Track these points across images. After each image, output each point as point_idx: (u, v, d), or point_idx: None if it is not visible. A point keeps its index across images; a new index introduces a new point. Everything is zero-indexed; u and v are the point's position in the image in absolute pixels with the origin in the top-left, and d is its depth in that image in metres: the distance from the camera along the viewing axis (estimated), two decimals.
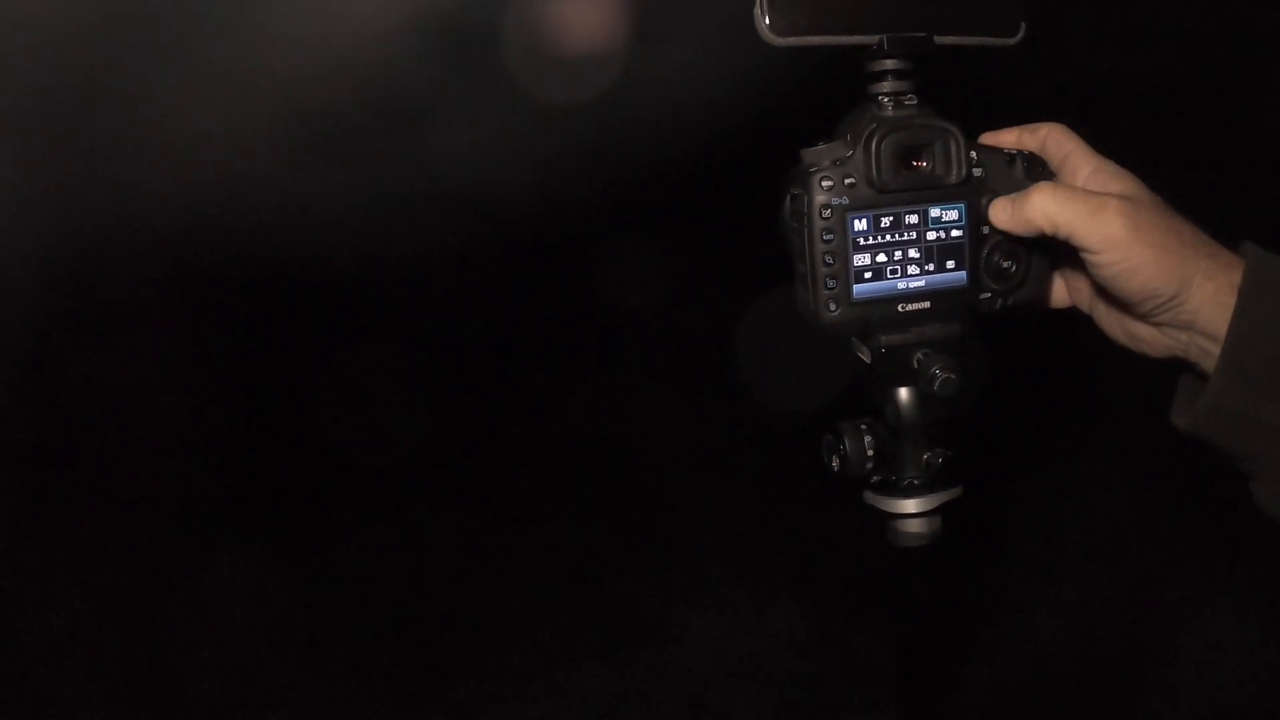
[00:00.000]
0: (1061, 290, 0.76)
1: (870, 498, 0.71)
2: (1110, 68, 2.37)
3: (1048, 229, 0.65)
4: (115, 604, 2.32)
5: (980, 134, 0.73)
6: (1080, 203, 0.64)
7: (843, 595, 2.26)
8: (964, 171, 0.67)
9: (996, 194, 0.69)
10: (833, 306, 0.66)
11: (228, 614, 2.30)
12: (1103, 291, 0.69)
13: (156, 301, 2.73)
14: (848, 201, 0.65)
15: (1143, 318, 0.68)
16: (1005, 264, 0.70)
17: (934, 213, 0.67)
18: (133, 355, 2.69)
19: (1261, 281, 0.63)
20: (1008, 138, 0.73)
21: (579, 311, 2.99)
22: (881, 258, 0.66)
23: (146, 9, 2.11)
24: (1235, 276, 0.64)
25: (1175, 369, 0.71)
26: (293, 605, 2.33)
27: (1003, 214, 0.68)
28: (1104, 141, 0.72)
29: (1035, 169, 0.70)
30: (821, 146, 0.67)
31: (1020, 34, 0.70)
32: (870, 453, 0.69)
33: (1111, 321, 0.72)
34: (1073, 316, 0.77)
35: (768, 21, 0.63)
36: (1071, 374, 2.46)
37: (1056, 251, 0.71)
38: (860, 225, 0.66)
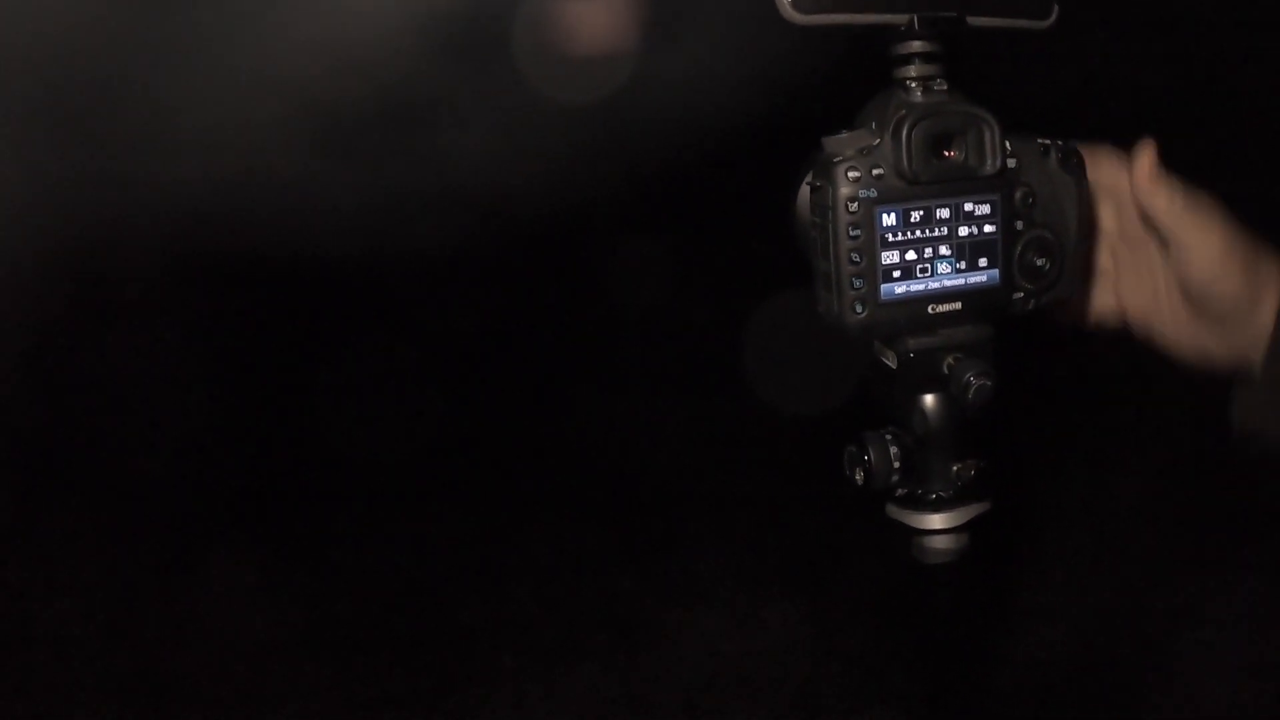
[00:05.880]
0: (1109, 306, 0.74)
1: (894, 512, 0.67)
2: (1129, 62, 2.35)
3: (1162, 225, 0.66)
4: (114, 604, 2.30)
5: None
6: (1192, 212, 0.65)
7: (841, 597, 2.24)
8: (998, 162, 0.63)
9: (1030, 187, 0.65)
10: (859, 308, 0.61)
11: (226, 614, 2.28)
12: (1173, 306, 0.69)
13: (160, 298, 2.73)
14: (875, 194, 0.60)
15: (1213, 326, 0.68)
16: (1039, 261, 0.65)
17: (966, 206, 0.63)
18: (135, 352, 2.69)
19: None
20: None
21: (579, 311, 2.97)
22: (911, 255, 0.62)
23: (154, 4, 2.08)
24: None
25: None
26: (290, 606, 2.31)
27: (1154, 173, 0.66)
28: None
29: (1070, 160, 0.66)
30: (845, 135, 0.62)
31: (1053, 16, 0.66)
32: (896, 464, 0.64)
33: (1180, 335, 0.71)
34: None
35: None
36: (1073, 375, 2.44)
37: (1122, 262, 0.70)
38: (889, 220, 0.61)
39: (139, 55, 2.07)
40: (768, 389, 2.50)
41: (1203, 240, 0.65)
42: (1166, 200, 0.65)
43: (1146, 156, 0.66)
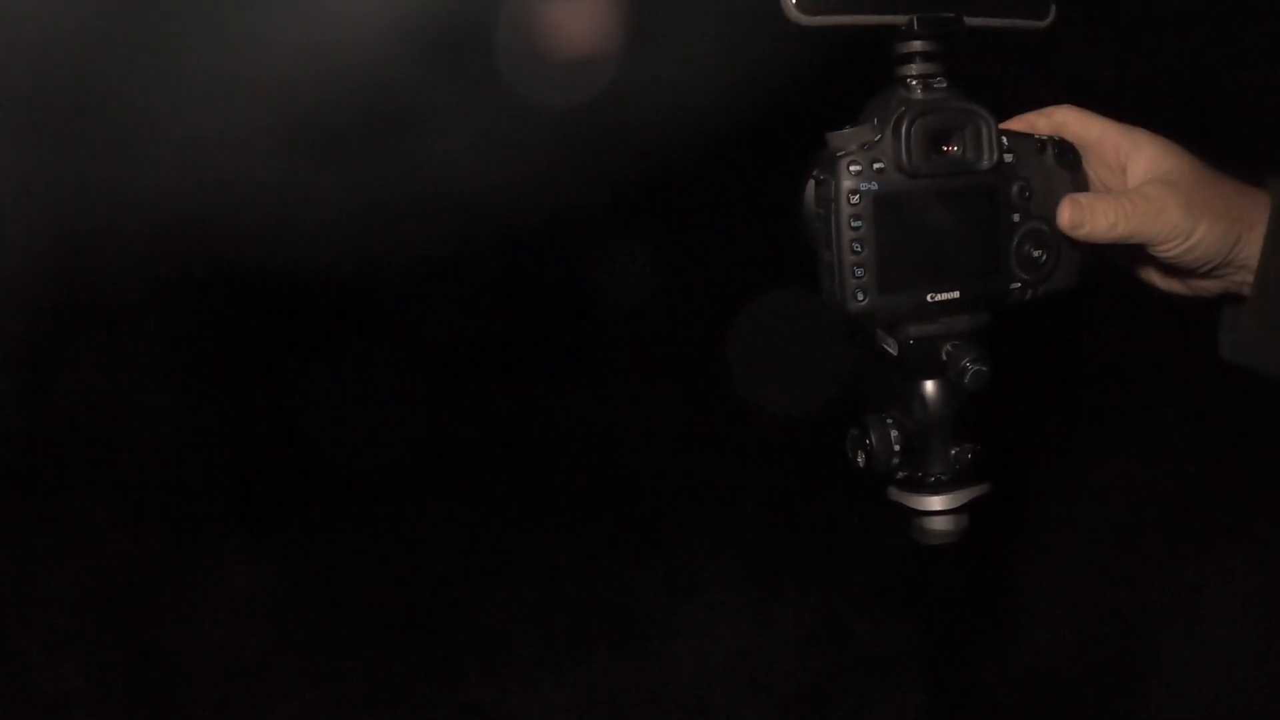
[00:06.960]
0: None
1: (895, 494, 0.69)
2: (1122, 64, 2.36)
3: (1116, 241, 0.67)
4: (115, 604, 2.30)
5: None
6: (1141, 211, 0.66)
7: (845, 592, 2.25)
8: (995, 156, 0.65)
9: (1027, 181, 0.67)
10: (860, 296, 0.63)
11: (227, 613, 2.29)
12: (1157, 266, 0.73)
13: (153, 302, 2.73)
14: (877, 187, 0.63)
15: (1202, 276, 0.71)
16: (1036, 253, 0.68)
17: (965, 199, 0.65)
18: (130, 356, 2.68)
19: None
20: (1018, 125, 0.71)
21: (578, 311, 2.98)
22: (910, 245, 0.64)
23: (140, 10, 2.09)
24: None
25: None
26: (293, 605, 2.32)
27: (1075, 222, 0.67)
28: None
29: (1066, 155, 0.68)
30: (848, 130, 0.64)
31: (1050, 16, 0.68)
32: (897, 448, 0.66)
33: (1170, 283, 0.75)
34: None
35: (794, 0, 0.60)
36: (1071, 370, 2.45)
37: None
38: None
39: (125, 61, 2.07)
40: (767, 386, 2.51)
41: (1161, 227, 0.66)
42: (1105, 229, 0.66)
43: (1065, 212, 0.67)
